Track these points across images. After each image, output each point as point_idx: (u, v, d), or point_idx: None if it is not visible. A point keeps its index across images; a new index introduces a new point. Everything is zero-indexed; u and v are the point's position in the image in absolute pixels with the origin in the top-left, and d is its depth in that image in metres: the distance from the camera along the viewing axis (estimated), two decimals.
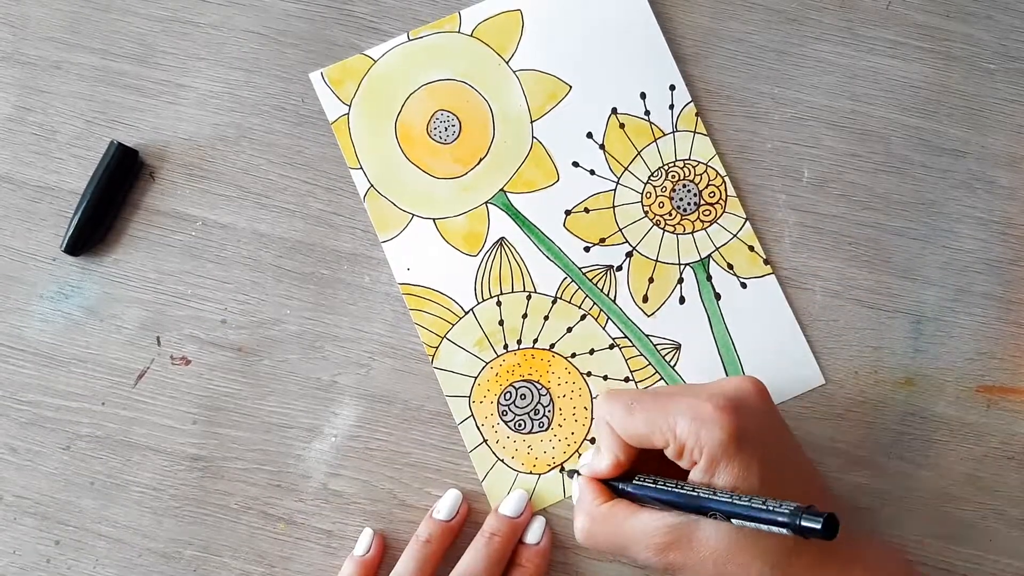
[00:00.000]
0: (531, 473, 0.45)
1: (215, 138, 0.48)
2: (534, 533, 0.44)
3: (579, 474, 0.40)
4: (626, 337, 0.46)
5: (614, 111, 0.47)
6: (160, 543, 0.45)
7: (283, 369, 0.46)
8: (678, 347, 0.45)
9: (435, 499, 0.45)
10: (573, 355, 0.45)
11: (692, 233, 0.46)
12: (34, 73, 0.48)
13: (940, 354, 0.46)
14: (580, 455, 0.45)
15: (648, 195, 0.46)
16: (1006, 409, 0.46)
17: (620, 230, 0.46)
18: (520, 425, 0.45)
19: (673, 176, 0.47)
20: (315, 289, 0.46)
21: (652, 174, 0.47)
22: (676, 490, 0.36)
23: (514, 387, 0.45)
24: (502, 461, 0.45)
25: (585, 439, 0.45)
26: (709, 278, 0.46)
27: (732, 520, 0.34)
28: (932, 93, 0.48)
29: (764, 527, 0.32)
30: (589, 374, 0.45)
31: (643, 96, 0.47)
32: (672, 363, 0.45)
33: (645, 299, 0.46)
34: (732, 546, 0.35)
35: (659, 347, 0.45)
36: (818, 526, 0.31)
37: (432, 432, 0.45)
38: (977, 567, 0.44)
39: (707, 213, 0.46)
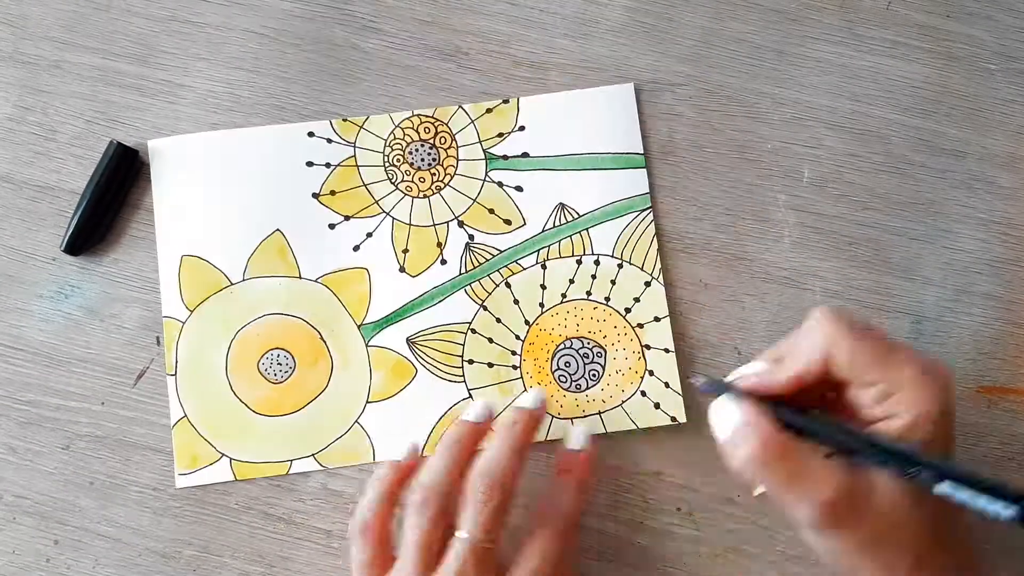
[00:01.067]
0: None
1: None
2: (576, 439, 0.43)
3: (727, 392, 0.36)
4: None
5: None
6: (160, 543, 0.44)
7: None
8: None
9: None
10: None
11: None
12: (34, 73, 0.48)
13: (940, 354, 0.46)
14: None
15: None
16: (1006, 409, 0.46)
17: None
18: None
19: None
20: None
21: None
22: (878, 440, 0.33)
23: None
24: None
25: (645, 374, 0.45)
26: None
27: (943, 485, 0.31)
28: (932, 93, 0.48)
29: (981, 500, 0.30)
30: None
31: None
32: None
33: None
34: (902, 514, 0.33)
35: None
36: None
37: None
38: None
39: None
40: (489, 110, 0.48)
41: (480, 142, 0.47)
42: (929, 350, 0.46)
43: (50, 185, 0.47)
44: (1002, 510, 0.30)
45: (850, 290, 0.46)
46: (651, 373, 0.45)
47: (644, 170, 0.47)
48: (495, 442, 0.41)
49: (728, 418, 0.35)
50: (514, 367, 0.46)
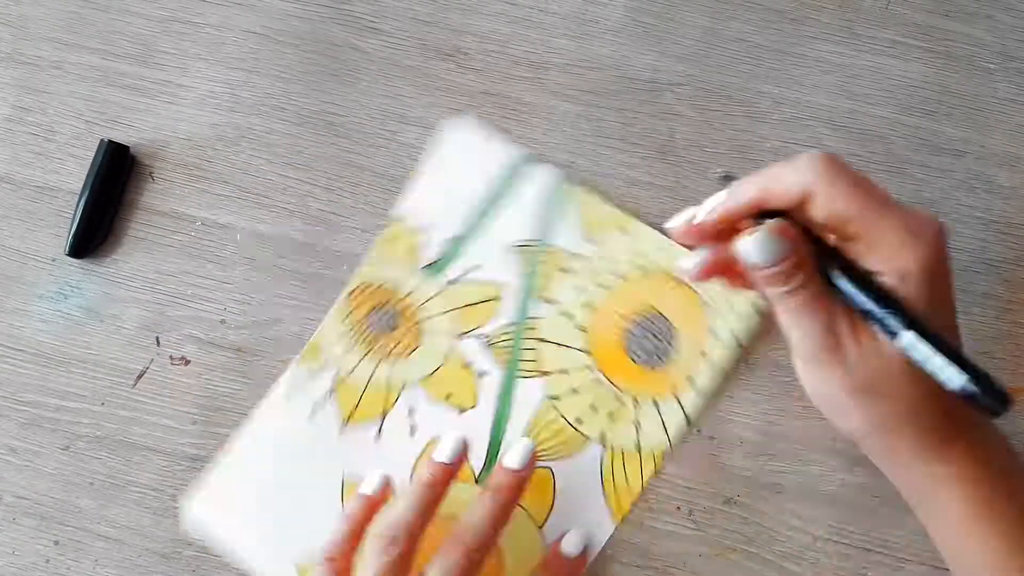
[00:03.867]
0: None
1: (214, 138, 0.48)
2: (515, 458, 0.41)
3: (759, 223, 0.33)
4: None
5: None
6: (160, 543, 0.44)
7: (283, 369, 0.46)
8: None
9: None
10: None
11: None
12: (33, 73, 0.48)
13: None
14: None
15: None
16: None
17: None
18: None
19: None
20: (315, 289, 0.46)
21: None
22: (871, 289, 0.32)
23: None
24: None
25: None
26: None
27: (906, 338, 0.31)
28: (932, 93, 0.48)
29: (939, 363, 0.30)
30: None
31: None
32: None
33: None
34: (893, 368, 0.33)
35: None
36: (995, 402, 0.30)
37: None
38: None
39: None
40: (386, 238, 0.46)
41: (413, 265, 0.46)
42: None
43: (49, 185, 0.47)
44: (953, 377, 0.30)
45: None
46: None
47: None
48: (478, 508, 0.39)
49: (772, 247, 0.33)
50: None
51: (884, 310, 0.32)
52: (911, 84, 0.48)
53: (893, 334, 0.32)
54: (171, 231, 0.47)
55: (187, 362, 0.46)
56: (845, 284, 0.33)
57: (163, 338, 0.46)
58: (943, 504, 0.35)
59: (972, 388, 0.30)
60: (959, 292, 0.46)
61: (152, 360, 0.46)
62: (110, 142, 0.46)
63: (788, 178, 0.33)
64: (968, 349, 0.45)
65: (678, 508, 0.45)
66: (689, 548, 0.44)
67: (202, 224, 0.47)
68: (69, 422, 0.45)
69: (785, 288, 0.33)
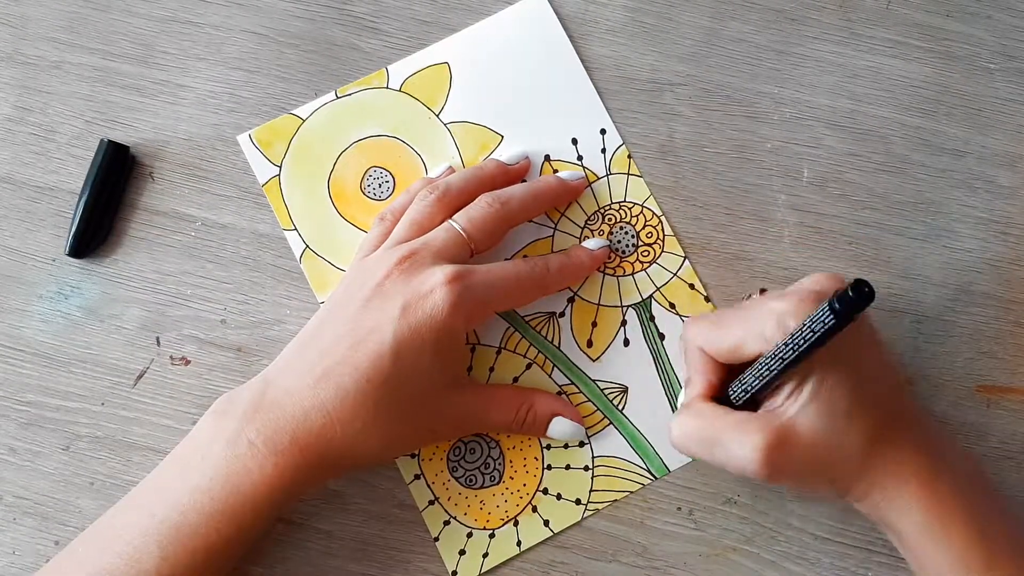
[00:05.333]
0: (484, 528, 0.44)
1: (215, 138, 0.48)
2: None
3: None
4: (573, 383, 0.45)
5: (547, 158, 0.47)
6: None
7: None
8: (625, 390, 0.45)
9: None
10: None
11: (633, 275, 0.46)
12: (34, 73, 0.48)
13: (940, 354, 0.46)
14: (538, 503, 0.44)
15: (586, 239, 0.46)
16: (1006, 409, 0.46)
17: None
18: (471, 480, 0.44)
19: (610, 219, 0.46)
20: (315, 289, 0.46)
21: (589, 218, 0.46)
22: (767, 363, 0.36)
23: (463, 442, 0.45)
24: (454, 519, 0.44)
25: (538, 490, 0.44)
26: (652, 318, 0.46)
27: (810, 353, 0.34)
28: (932, 93, 0.48)
29: (819, 330, 0.33)
30: None
31: (575, 142, 0.47)
32: (620, 407, 0.45)
33: (590, 343, 0.45)
34: (824, 432, 0.36)
35: (606, 391, 0.45)
36: (856, 295, 0.31)
37: None
38: None
39: (646, 254, 0.46)
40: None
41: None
42: (929, 350, 0.46)
43: (49, 185, 0.47)
44: (826, 312, 0.33)
45: None
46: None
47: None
48: (518, 185, 0.45)
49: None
50: None
51: (791, 354, 0.35)
52: (911, 84, 0.48)
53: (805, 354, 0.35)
54: (171, 231, 0.47)
55: (187, 362, 0.46)
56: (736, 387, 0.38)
57: (163, 338, 0.46)
58: (894, 522, 0.38)
59: (842, 302, 0.32)
60: (959, 292, 0.46)
61: (152, 360, 0.46)
62: (110, 142, 0.46)
63: (694, 376, 0.40)
64: (969, 349, 0.46)
65: (678, 508, 0.45)
66: (689, 548, 0.44)
67: (202, 224, 0.47)
68: (69, 422, 0.45)
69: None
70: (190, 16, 0.48)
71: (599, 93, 0.47)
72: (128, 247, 0.47)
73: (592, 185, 0.47)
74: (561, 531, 0.44)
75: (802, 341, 0.34)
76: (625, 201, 0.47)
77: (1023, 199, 0.47)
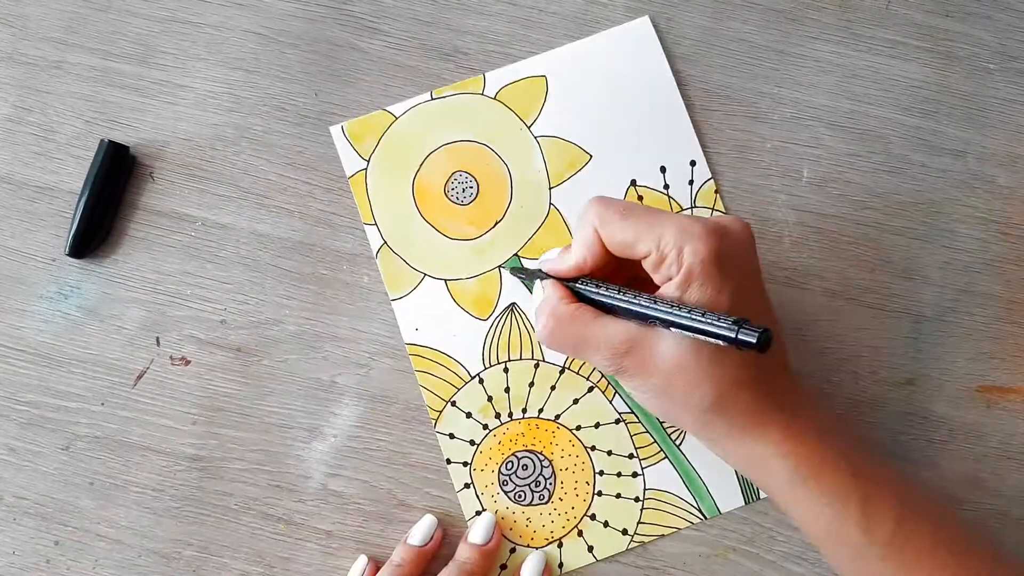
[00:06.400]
0: (528, 546, 0.44)
1: (214, 138, 0.48)
2: (480, 531, 0.43)
3: (540, 278, 0.41)
4: (632, 412, 0.45)
5: (633, 183, 0.47)
6: (160, 543, 0.44)
7: (283, 369, 0.46)
8: None
9: (434, 499, 0.45)
10: (578, 427, 0.45)
11: None
12: (33, 73, 0.48)
13: (940, 354, 0.46)
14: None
15: None
16: (1006, 409, 0.46)
17: None
18: (520, 496, 0.44)
19: None
20: (315, 289, 0.46)
21: None
22: (627, 297, 0.37)
23: (516, 457, 0.45)
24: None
25: (585, 515, 0.44)
26: None
27: (672, 329, 0.35)
28: (932, 93, 0.48)
29: (703, 337, 0.33)
30: (593, 448, 0.45)
31: (663, 170, 0.47)
32: (677, 441, 0.45)
33: None
34: (685, 364, 0.36)
35: (665, 424, 0.45)
36: (752, 339, 0.32)
37: (432, 432, 0.45)
38: None
39: None
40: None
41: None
42: (929, 350, 0.46)
43: (49, 185, 0.47)
44: (719, 341, 0.33)
45: (850, 290, 0.46)
46: None
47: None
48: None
49: (535, 299, 0.41)
50: None
51: (646, 319, 0.36)
52: (911, 84, 0.48)
53: (668, 327, 0.35)
54: (171, 231, 0.47)
55: (187, 362, 0.46)
56: (610, 299, 0.38)
57: (163, 338, 0.46)
58: (766, 478, 0.38)
59: (736, 342, 0.32)
60: (959, 292, 0.46)
61: (152, 360, 0.46)
62: (110, 142, 0.46)
63: (581, 238, 0.39)
64: (969, 349, 0.46)
65: None
66: (689, 548, 0.44)
67: (202, 224, 0.47)
68: (69, 422, 0.45)
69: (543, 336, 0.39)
70: (190, 16, 0.48)
71: (694, 122, 0.47)
72: (128, 247, 0.47)
73: None
74: (604, 559, 0.44)
75: (680, 318, 0.34)
76: None
77: (1023, 199, 0.47)
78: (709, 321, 0.33)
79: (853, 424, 0.45)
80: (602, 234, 0.38)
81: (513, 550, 0.44)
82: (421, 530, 0.43)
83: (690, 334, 0.34)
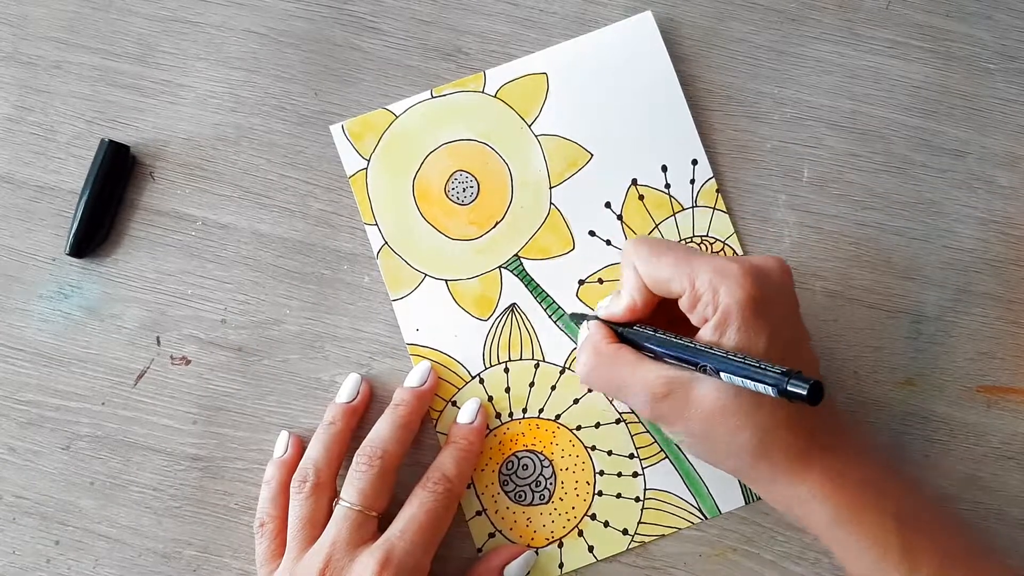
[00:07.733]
0: (528, 547, 0.44)
1: (215, 138, 0.48)
2: (467, 412, 0.44)
3: (592, 319, 0.41)
4: (633, 412, 0.45)
5: (634, 182, 0.46)
6: (160, 543, 0.45)
7: (283, 369, 0.46)
8: None
9: None
10: (578, 427, 0.45)
11: None
12: (34, 73, 0.48)
13: (940, 354, 0.46)
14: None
15: None
16: (1006, 409, 0.46)
17: None
18: (520, 496, 0.44)
19: None
20: (315, 289, 0.46)
21: None
22: (674, 340, 0.37)
23: (517, 456, 0.45)
24: (500, 532, 0.44)
25: (586, 515, 0.44)
26: None
27: (722, 375, 0.34)
28: (932, 93, 0.48)
29: (751, 384, 0.33)
30: (594, 448, 0.45)
31: (664, 169, 0.46)
32: None
33: None
34: (726, 408, 0.35)
35: None
36: (803, 391, 0.31)
37: (432, 432, 0.45)
38: None
39: None
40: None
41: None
42: (929, 350, 0.46)
43: (50, 185, 0.47)
44: (769, 390, 0.33)
45: (850, 290, 0.46)
46: None
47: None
48: (379, 424, 0.43)
49: (580, 339, 0.41)
50: None
51: (695, 364, 0.35)
52: (911, 84, 0.48)
53: (717, 373, 0.35)
54: (171, 231, 0.47)
55: (187, 362, 0.46)
56: (655, 347, 0.38)
57: (163, 338, 0.46)
58: (807, 518, 0.37)
59: (786, 393, 0.32)
60: (959, 292, 0.46)
61: (152, 360, 0.46)
62: (110, 142, 0.46)
63: (626, 282, 0.39)
64: (969, 349, 0.46)
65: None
66: (689, 548, 0.44)
67: (202, 224, 0.47)
68: (69, 422, 0.45)
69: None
70: (190, 16, 0.48)
71: (696, 122, 0.47)
72: (128, 247, 0.47)
73: (676, 215, 0.46)
74: (604, 559, 0.44)
75: (730, 365, 0.34)
76: (707, 236, 0.46)
77: (1023, 199, 0.47)
78: (761, 369, 0.33)
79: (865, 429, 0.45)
80: (641, 273, 0.38)
81: (492, 535, 0.44)
82: (347, 388, 0.44)
83: (739, 380, 0.34)
